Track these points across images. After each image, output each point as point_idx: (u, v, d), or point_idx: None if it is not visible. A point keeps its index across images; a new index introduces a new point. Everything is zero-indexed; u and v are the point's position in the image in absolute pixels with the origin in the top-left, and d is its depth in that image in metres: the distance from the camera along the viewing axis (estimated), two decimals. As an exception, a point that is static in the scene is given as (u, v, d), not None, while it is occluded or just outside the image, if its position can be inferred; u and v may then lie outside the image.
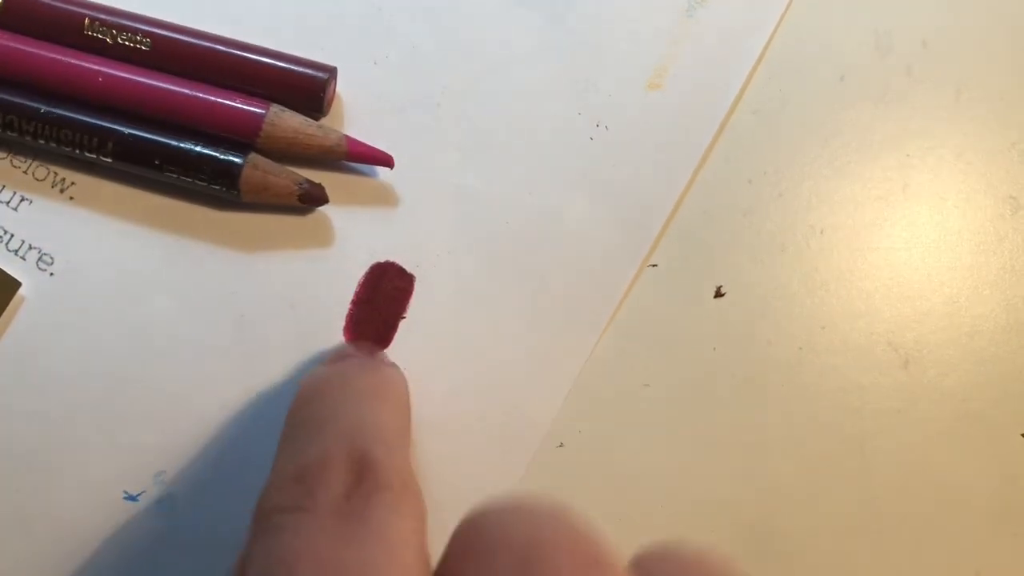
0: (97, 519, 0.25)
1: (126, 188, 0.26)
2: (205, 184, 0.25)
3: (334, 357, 0.24)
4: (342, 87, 0.27)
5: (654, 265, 0.27)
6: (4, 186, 0.26)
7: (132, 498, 0.25)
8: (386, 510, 0.19)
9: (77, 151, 0.25)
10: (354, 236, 0.26)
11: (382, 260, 0.26)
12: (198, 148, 0.25)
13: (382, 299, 0.26)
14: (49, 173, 0.26)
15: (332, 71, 0.26)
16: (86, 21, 0.25)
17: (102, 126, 0.25)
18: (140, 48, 0.25)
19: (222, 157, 0.25)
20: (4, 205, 0.26)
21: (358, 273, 0.26)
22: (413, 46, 0.27)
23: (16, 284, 0.25)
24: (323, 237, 0.26)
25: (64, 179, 0.26)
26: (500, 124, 0.27)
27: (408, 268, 0.26)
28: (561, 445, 0.26)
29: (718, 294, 0.27)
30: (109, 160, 0.25)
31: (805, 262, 0.28)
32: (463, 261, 0.27)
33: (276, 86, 0.26)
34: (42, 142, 0.25)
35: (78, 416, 0.25)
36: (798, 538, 0.27)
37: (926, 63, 0.29)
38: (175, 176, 0.25)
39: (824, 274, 0.28)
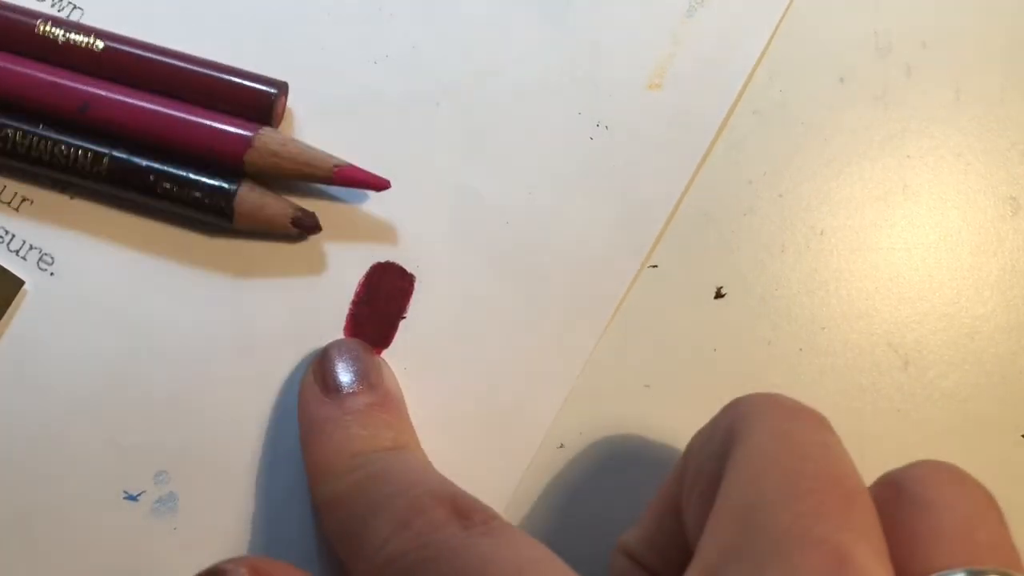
0: (97, 519, 0.25)
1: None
2: (196, 208, 0.25)
3: (323, 381, 0.24)
4: (337, 89, 0.27)
5: (654, 265, 0.27)
6: (5, 186, 0.26)
7: (132, 498, 0.25)
8: (508, 528, 0.20)
9: (59, 173, 0.25)
10: (354, 237, 0.26)
11: (382, 260, 0.26)
12: (189, 174, 0.25)
13: (382, 299, 0.26)
14: (49, 173, 0.26)
15: (283, 87, 0.26)
16: (39, 23, 0.25)
17: (92, 148, 0.25)
18: (92, 49, 0.25)
19: (211, 182, 0.25)
20: (4, 205, 0.26)
21: (358, 273, 0.26)
22: (413, 46, 0.27)
23: (20, 283, 0.25)
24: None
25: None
26: (500, 124, 0.27)
27: (408, 268, 0.26)
28: (561, 446, 0.26)
29: (718, 294, 0.27)
30: (99, 184, 0.25)
31: (805, 263, 0.28)
32: (463, 261, 0.27)
33: (226, 100, 0.25)
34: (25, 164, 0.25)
35: (78, 416, 0.25)
36: (798, 538, 0.26)
37: (925, 63, 0.29)
38: (169, 190, 0.25)
39: (824, 275, 0.28)
